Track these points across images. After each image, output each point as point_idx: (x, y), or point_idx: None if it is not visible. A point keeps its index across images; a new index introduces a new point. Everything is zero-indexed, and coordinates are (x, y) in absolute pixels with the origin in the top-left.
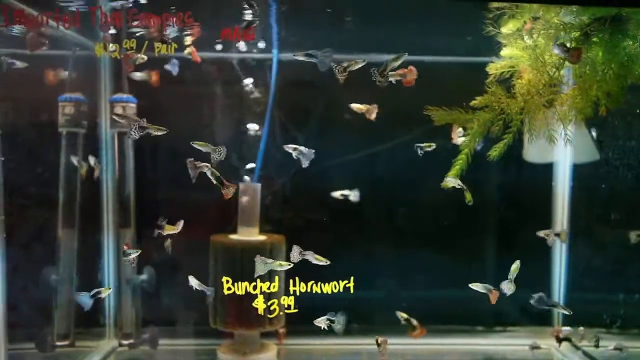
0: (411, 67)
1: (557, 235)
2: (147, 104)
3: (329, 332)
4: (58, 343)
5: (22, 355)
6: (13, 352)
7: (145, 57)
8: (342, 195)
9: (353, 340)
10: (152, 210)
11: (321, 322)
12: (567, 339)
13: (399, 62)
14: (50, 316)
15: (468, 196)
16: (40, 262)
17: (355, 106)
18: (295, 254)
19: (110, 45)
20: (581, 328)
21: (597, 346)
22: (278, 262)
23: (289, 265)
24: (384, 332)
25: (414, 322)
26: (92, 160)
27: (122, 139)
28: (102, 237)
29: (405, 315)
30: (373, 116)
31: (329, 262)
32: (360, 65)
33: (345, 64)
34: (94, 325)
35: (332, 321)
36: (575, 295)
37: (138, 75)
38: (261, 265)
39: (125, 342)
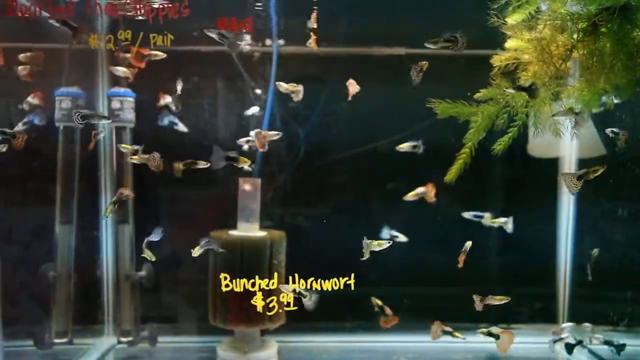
0: (351, 80)
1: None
2: (150, 98)
3: (329, 329)
4: (56, 340)
5: (19, 352)
6: (10, 349)
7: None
8: (392, 236)
9: (353, 338)
10: (151, 206)
11: (288, 290)
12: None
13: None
14: (49, 313)
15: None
16: (38, 258)
17: (283, 85)
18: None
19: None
20: (587, 324)
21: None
22: (377, 242)
23: (389, 243)
24: (385, 328)
25: (388, 310)
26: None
27: (121, 133)
28: (101, 233)
29: (379, 302)
30: (300, 97)
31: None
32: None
33: (419, 66)
34: (92, 322)
35: (303, 295)
36: (580, 292)
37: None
38: (366, 247)
39: (124, 339)
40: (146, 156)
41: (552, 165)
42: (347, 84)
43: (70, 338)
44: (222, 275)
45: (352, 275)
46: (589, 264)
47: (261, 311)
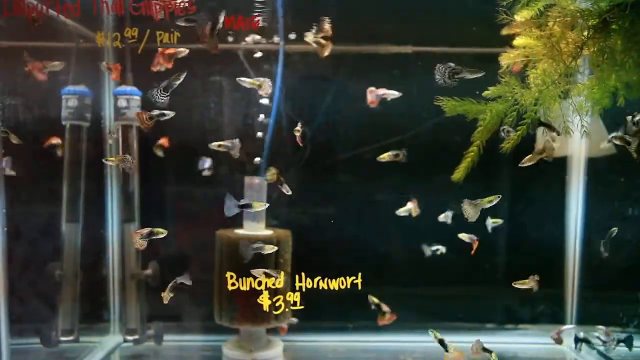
0: (371, 88)
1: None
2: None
3: (336, 329)
4: (62, 338)
5: (26, 350)
6: (17, 347)
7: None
8: (432, 250)
9: (361, 337)
10: (157, 205)
11: (258, 273)
12: (584, 340)
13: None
14: (55, 311)
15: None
16: (44, 256)
17: (248, 81)
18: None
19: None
20: (601, 327)
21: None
22: (487, 199)
23: (498, 197)
24: (392, 328)
25: (385, 307)
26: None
27: (127, 132)
28: (107, 232)
29: (376, 300)
30: (267, 91)
31: None
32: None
33: (452, 67)
34: (98, 320)
35: (273, 276)
36: (589, 293)
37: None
38: (470, 209)
39: (129, 337)
40: (119, 157)
41: (560, 164)
42: (368, 92)
43: (77, 336)
44: (228, 274)
45: (359, 274)
46: (604, 242)
47: (267, 310)
